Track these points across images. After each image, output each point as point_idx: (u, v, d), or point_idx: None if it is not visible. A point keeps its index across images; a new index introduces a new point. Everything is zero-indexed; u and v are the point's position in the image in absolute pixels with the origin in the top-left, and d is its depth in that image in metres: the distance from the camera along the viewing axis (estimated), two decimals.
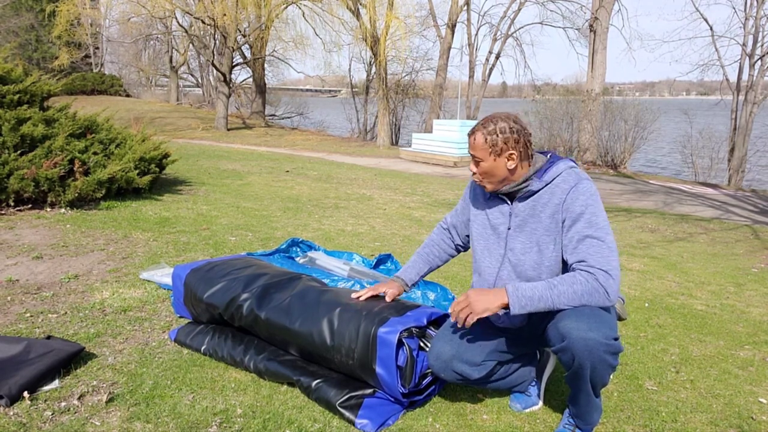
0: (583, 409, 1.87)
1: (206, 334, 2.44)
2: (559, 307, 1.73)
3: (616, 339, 1.71)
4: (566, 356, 1.72)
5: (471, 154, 1.88)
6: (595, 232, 1.76)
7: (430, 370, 2.07)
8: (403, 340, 1.95)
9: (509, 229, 1.92)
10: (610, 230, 1.79)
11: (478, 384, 2.02)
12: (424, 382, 2.06)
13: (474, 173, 1.90)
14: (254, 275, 2.44)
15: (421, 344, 2.04)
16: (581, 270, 1.74)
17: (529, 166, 1.89)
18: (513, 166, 1.85)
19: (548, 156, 1.94)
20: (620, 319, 1.94)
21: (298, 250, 3.55)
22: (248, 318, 2.29)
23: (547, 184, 1.86)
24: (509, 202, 1.93)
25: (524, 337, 2.02)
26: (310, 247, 3.64)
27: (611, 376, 2.04)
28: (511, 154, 1.83)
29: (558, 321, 1.74)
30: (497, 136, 1.82)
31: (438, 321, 2.20)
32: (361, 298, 2.17)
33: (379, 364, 1.95)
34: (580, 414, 1.90)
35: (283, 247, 3.50)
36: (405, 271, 2.28)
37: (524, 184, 1.87)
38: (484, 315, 1.75)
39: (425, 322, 2.05)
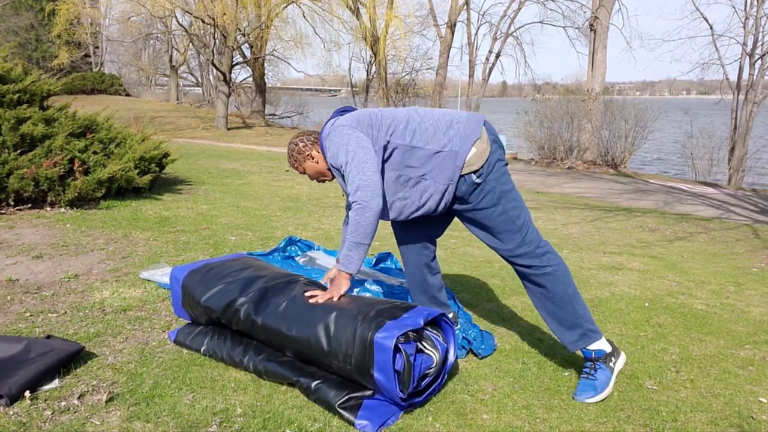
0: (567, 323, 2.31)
1: (205, 335, 2.43)
2: (360, 241, 2.16)
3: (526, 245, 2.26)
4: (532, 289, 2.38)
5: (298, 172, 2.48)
6: (344, 166, 2.16)
7: (429, 371, 2.07)
8: (400, 346, 1.94)
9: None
10: (351, 150, 2.13)
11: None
12: (423, 383, 2.05)
13: (314, 180, 2.48)
14: (252, 278, 2.42)
15: (419, 346, 2.04)
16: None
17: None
18: (315, 158, 2.36)
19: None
20: None
21: (297, 249, 3.55)
22: (245, 323, 2.28)
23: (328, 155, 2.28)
24: None
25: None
26: (308, 246, 3.63)
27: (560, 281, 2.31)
28: (308, 154, 2.37)
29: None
30: (294, 156, 2.41)
31: (434, 321, 2.19)
32: (319, 301, 2.19)
33: (376, 369, 1.94)
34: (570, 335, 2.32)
35: (281, 246, 3.50)
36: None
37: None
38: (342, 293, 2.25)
39: (422, 323, 2.04)
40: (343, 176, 2.22)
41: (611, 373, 2.27)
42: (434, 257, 2.55)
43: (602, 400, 2.22)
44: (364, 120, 2.21)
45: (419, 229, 2.48)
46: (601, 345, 2.31)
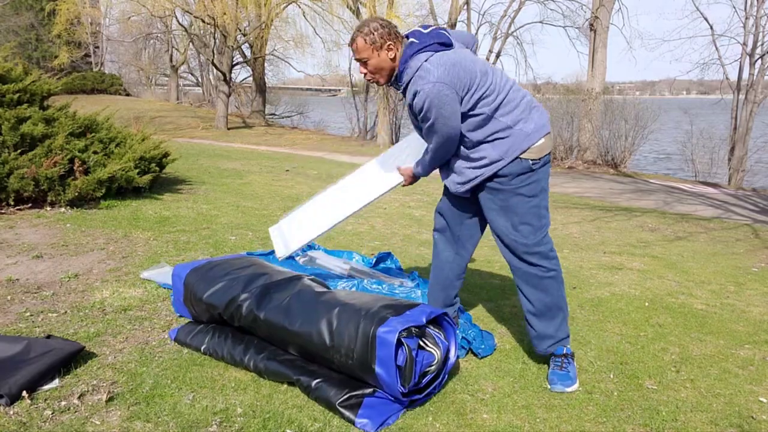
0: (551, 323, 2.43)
1: (206, 334, 2.44)
2: (434, 163, 2.42)
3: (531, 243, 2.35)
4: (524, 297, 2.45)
5: (357, 59, 2.26)
6: (428, 122, 2.21)
7: (430, 368, 2.07)
8: (402, 340, 1.95)
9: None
10: (441, 116, 2.16)
11: None
12: (424, 381, 2.06)
13: (365, 74, 2.29)
14: (254, 275, 2.43)
15: (421, 343, 2.04)
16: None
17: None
18: (393, 55, 2.23)
19: (411, 40, 2.24)
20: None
21: None
22: (248, 318, 2.29)
23: (407, 84, 2.23)
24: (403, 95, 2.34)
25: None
26: (309, 246, 3.64)
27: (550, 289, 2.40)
28: (389, 45, 2.21)
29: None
30: (374, 34, 2.19)
31: (436, 319, 2.19)
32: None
33: (378, 364, 1.95)
34: (549, 331, 2.43)
35: None
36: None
37: (399, 79, 2.29)
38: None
39: (424, 321, 2.05)
40: (417, 119, 2.27)
41: (576, 370, 2.40)
42: (467, 261, 2.62)
43: (573, 392, 2.29)
44: (463, 79, 2.17)
45: (468, 229, 2.54)
46: (570, 344, 2.50)
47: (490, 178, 2.31)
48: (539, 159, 2.28)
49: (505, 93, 2.26)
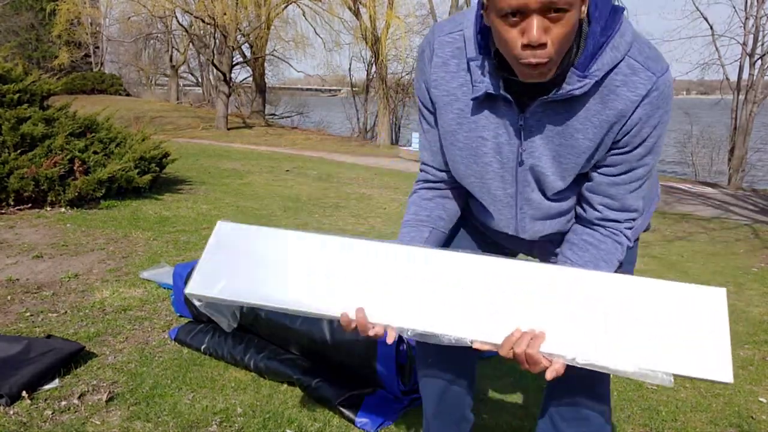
0: None
1: (206, 333, 2.44)
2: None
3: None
4: None
5: (541, 4, 0.89)
6: (648, 162, 1.10)
7: None
8: (404, 337, 1.96)
9: (520, 163, 1.14)
10: (658, 156, 1.14)
11: None
12: None
13: (539, 48, 0.92)
14: None
15: None
16: (602, 228, 1.17)
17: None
18: (581, 16, 0.97)
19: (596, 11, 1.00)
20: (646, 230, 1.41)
21: None
22: (248, 316, 2.29)
23: (596, 83, 1.01)
24: (518, 108, 1.08)
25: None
26: None
27: None
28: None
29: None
30: None
31: None
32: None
33: (379, 361, 1.95)
34: None
35: None
36: None
37: (563, 81, 1.01)
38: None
39: None
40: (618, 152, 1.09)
41: None
42: None
43: None
44: None
45: None
46: None
47: None
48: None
49: None
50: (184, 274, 2.57)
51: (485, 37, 1.04)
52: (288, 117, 25.77)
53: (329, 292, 1.14)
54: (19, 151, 4.96)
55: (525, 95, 1.05)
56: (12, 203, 4.80)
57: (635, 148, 1.07)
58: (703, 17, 13.90)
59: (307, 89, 42.23)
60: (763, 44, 12.57)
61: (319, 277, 1.15)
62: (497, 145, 1.13)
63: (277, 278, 1.17)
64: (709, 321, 1.01)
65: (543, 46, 0.92)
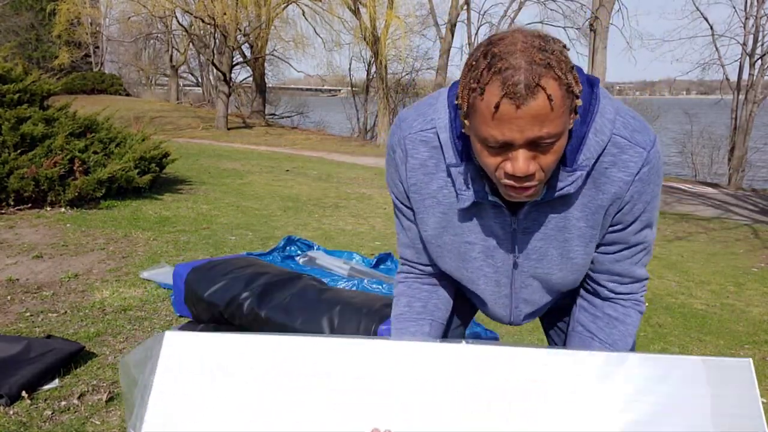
0: None
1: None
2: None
3: None
4: None
5: (528, 140, 0.82)
6: (647, 236, 1.06)
7: None
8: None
9: (515, 266, 1.08)
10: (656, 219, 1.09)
11: None
12: None
13: (527, 178, 0.86)
14: (255, 274, 2.44)
15: None
16: (623, 300, 1.11)
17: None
18: (572, 122, 0.89)
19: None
20: None
21: (296, 248, 3.56)
22: (249, 317, 2.29)
23: (587, 174, 0.95)
24: (509, 211, 1.01)
25: None
26: (308, 246, 3.64)
27: None
28: (576, 105, 0.86)
29: None
30: (570, 74, 0.82)
31: None
32: None
33: None
34: None
35: (280, 245, 3.51)
36: None
37: (553, 180, 0.95)
38: None
39: None
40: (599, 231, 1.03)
41: None
42: None
43: None
44: None
45: None
46: None
47: None
48: None
49: None
50: (184, 275, 2.58)
51: (463, 141, 0.95)
52: (288, 117, 25.77)
53: (336, 416, 0.89)
54: (19, 151, 4.96)
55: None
56: (12, 203, 4.80)
57: (630, 224, 1.02)
58: (704, 17, 13.91)
59: (307, 89, 42.23)
60: (763, 44, 12.58)
61: (316, 397, 0.90)
62: (487, 249, 1.05)
63: (256, 411, 0.90)
64: (739, 398, 0.88)
65: (530, 177, 0.85)
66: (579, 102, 0.85)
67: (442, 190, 1.03)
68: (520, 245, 1.04)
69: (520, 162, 0.83)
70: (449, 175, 1.00)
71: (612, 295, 1.10)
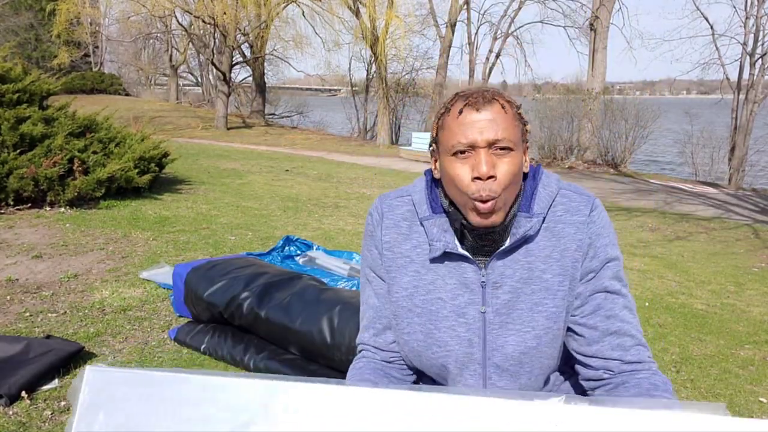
0: None
1: (206, 333, 2.43)
2: None
3: None
4: None
5: (487, 141, 0.96)
6: (618, 287, 1.07)
7: None
8: None
9: (486, 323, 1.07)
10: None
11: None
12: None
13: (488, 180, 0.97)
14: (255, 274, 2.44)
15: None
16: (640, 372, 1.03)
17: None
18: (525, 162, 1.05)
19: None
20: None
21: (295, 248, 3.56)
22: (248, 317, 2.29)
23: (543, 221, 1.05)
24: (477, 264, 1.06)
25: None
26: (307, 245, 3.64)
27: None
28: (526, 131, 1.05)
29: None
30: (520, 111, 1.03)
31: None
32: None
33: None
34: None
35: (279, 245, 3.51)
36: None
37: (515, 228, 1.04)
38: None
39: None
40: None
41: None
42: None
43: None
44: None
45: None
46: None
47: None
48: None
49: None
50: (184, 274, 2.57)
51: (435, 198, 1.09)
52: (288, 117, 25.77)
53: None
54: (18, 150, 4.95)
55: (481, 253, 1.05)
56: (11, 203, 4.79)
57: (600, 270, 1.05)
58: (704, 17, 13.90)
59: (307, 89, 42.23)
60: (763, 44, 12.57)
61: None
62: (457, 307, 1.06)
63: None
64: None
65: (492, 178, 0.96)
66: (528, 128, 1.04)
67: (415, 249, 1.10)
68: (490, 299, 1.05)
69: (483, 163, 0.96)
70: (423, 227, 1.09)
71: (625, 371, 1.03)
